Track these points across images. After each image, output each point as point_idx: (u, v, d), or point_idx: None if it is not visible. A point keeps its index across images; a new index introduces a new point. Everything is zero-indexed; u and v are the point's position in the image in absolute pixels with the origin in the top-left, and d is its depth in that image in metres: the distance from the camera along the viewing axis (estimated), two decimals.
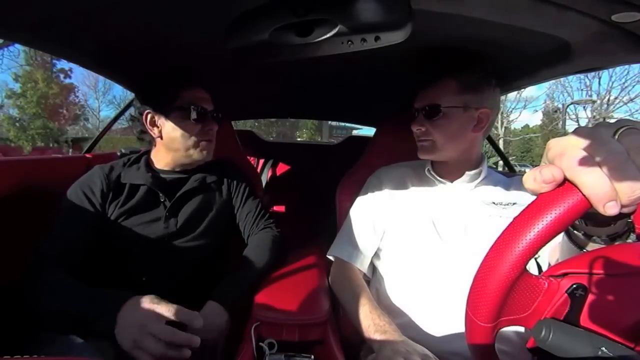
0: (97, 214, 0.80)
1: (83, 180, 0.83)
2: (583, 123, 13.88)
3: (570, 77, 13.44)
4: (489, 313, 0.31)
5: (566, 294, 0.32)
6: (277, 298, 0.71)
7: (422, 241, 0.79)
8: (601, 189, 0.26)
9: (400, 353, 0.55)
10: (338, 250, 0.87)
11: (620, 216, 0.33)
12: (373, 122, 1.88)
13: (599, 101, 15.85)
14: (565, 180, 0.28)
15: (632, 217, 0.37)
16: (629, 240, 0.38)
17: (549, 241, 0.28)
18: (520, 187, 0.81)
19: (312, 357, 0.61)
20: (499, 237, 0.31)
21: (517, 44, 0.74)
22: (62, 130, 18.24)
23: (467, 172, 0.80)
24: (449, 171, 0.82)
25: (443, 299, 0.72)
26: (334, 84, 1.23)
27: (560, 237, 0.45)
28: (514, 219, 0.30)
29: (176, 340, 0.58)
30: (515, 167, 1.90)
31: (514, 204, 0.79)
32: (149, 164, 0.90)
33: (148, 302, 0.62)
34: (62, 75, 17.96)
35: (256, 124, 17.20)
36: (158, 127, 0.86)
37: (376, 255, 0.87)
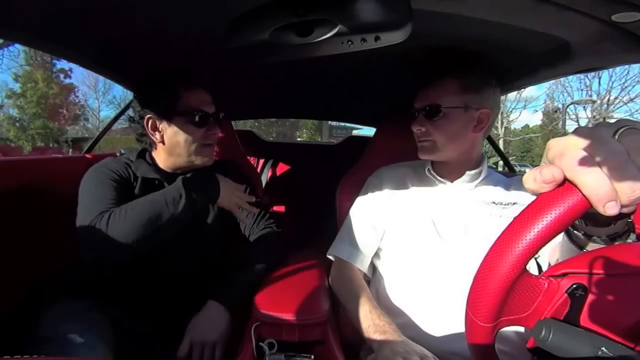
0: (121, 192, 0.79)
1: (102, 164, 0.82)
2: (583, 123, 13.88)
3: (570, 77, 13.47)
4: (489, 313, 0.31)
5: (566, 294, 0.32)
6: (277, 298, 0.71)
7: (422, 241, 0.79)
8: (601, 189, 0.26)
9: (399, 353, 0.55)
10: (338, 250, 0.87)
11: (620, 216, 0.33)
12: (373, 122, 1.88)
13: (599, 101, 15.85)
14: (565, 180, 0.28)
15: (632, 217, 0.37)
16: (629, 240, 0.38)
17: (549, 241, 0.28)
18: (520, 187, 0.81)
19: (312, 357, 0.61)
20: (499, 237, 0.31)
21: (517, 44, 0.74)
22: (62, 130, 18.23)
23: (467, 172, 0.80)
24: (449, 171, 0.82)
25: (443, 299, 0.72)
26: (334, 84, 1.23)
27: (560, 237, 0.45)
28: (514, 219, 0.30)
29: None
30: (515, 167, 1.90)
31: (514, 203, 0.79)
32: (154, 162, 0.89)
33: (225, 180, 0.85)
34: (62, 75, 17.96)
35: (256, 124, 17.19)
36: (160, 132, 0.84)
37: (376, 255, 0.87)
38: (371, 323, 0.66)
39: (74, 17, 0.67)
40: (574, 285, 0.32)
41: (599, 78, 15.93)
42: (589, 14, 0.54)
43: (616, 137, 0.27)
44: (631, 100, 14.46)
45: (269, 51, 0.65)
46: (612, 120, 0.30)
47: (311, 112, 2.11)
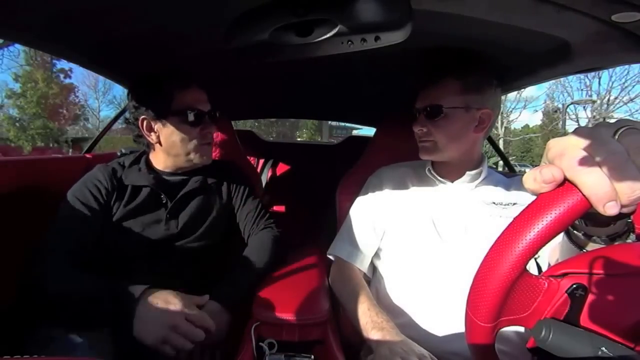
0: (102, 212, 0.79)
1: (87, 179, 0.82)
2: (583, 123, 13.88)
3: (570, 77, 13.46)
4: (489, 313, 0.31)
5: (566, 294, 0.32)
6: (277, 298, 0.71)
7: (422, 241, 0.79)
8: (601, 189, 0.26)
9: (397, 353, 0.55)
10: (338, 250, 0.87)
11: (620, 216, 0.33)
12: (373, 122, 1.88)
13: (599, 101, 15.85)
14: (565, 180, 0.28)
15: (632, 217, 0.37)
16: (629, 241, 0.38)
17: (549, 241, 0.28)
18: (520, 187, 0.81)
19: (312, 357, 0.61)
20: (499, 237, 0.31)
21: (517, 44, 0.74)
22: (62, 130, 18.23)
23: (467, 172, 0.80)
24: (450, 171, 0.82)
25: (443, 299, 0.72)
26: (334, 84, 1.23)
27: (560, 237, 0.45)
28: (514, 219, 0.30)
29: (202, 340, 0.64)
30: (515, 167, 1.90)
31: (514, 204, 0.79)
32: (150, 165, 0.89)
33: (172, 298, 0.65)
34: (62, 75, 17.95)
35: (256, 124, 17.18)
36: (155, 133, 0.83)
37: (376, 255, 0.87)
38: (369, 320, 0.66)
39: (74, 17, 0.67)
40: (574, 285, 0.32)
41: (599, 78, 15.96)
42: (589, 14, 0.54)
43: (616, 137, 0.27)
44: (631, 100, 14.47)
45: (269, 51, 0.65)
46: (612, 120, 0.30)
47: (311, 112, 2.11)
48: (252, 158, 1.97)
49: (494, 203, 0.79)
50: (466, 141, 0.79)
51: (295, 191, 1.90)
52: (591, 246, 0.40)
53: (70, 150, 15.79)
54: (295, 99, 1.55)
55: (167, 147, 0.84)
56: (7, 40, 0.77)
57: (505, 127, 18.58)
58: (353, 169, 1.09)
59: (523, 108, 19.81)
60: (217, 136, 1.22)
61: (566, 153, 0.28)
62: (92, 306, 0.64)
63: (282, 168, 2.09)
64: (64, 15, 0.65)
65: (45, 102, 16.77)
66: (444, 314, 0.71)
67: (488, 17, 0.61)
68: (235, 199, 0.96)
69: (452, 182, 0.82)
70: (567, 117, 15.57)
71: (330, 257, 0.89)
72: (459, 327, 0.58)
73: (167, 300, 0.65)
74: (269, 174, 2.07)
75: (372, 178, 0.93)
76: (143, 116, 0.82)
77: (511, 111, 19.13)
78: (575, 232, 0.41)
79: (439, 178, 0.83)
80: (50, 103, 17.05)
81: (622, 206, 0.26)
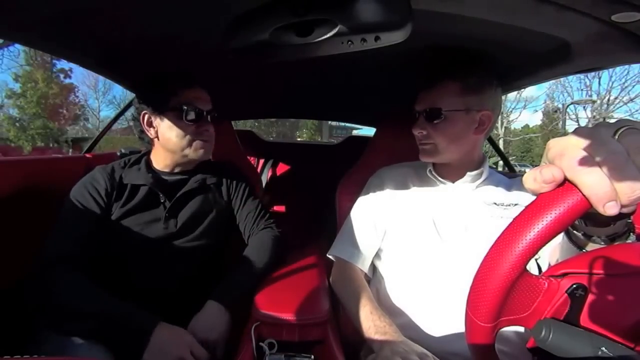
0: (102, 213, 0.80)
1: (86, 180, 0.83)
2: (583, 123, 13.89)
3: (570, 77, 13.46)
4: (489, 313, 0.31)
5: (566, 294, 0.32)
6: (277, 298, 0.71)
7: (422, 241, 0.79)
8: (601, 189, 0.26)
9: (398, 353, 0.55)
10: (339, 250, 0.87)
11: (620, 216, 0.33)
12: (373, 122, 1.88)
13: (599, 101, 15.84)
14: (565, 180, 0.28)
15: (632, 217, 0.37)
16: (629, 241, 0.38)
17: (549, 241, 0.28)
18: (521, 187, 0.81)
19: (312, 357, 0.61)
20: (499, 237, 0.31)
21: (517, 44, 0.74)
22: (62, 130, 18.23)
23: (468, 173, 0.80)
24: (451, 172, 0.82)
25: (443, 299, 0.72)
26: (334, 84, 1.23)
27: (561, 237, 0.45)
28: (514, 219, 0.30)
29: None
30: (515, 167, 1.90)
31: (515, 204, 0.79)
32: (149, 165, 0.90)
33: (183, 335, 0.68)
34: (62, 75, 17.95)
35: (256, 124, 17.18)
36: (154, 128, 0.86)
37: (377, 255, 0.87)
38: (372, 324, 0.66)
39: (74, 17, 0.67)
40: (574, 285, 0.32)
41: (599, 78, 15.95)
42: (589, 14, 0.54)
43: (616, 137, 0.27)
44: (631, 100, 14.47)
45: (269, 51, 0.65)
46: (612, 120, 0.30)
47: (311, 112, 2.11)
48: (252, 158, 1.97)
49: (495, 204, 0.79)
50: (466, 143, 0.79)
51: (295, 191, 1.90)
52: (591, 246, 0.40)
53: (70, 150, 15.79)
54: (295, 99, 1.55)
55: (164, 142, 0.86)
56: (8, 40, 0.77)
57: (505, 127, 18.58)
58: (353, 169, 1.09)
59: (523, 108, 19.84)
60: (217, 136, 1.22)
61: (566, 153, 0.28)
62: (103, 327, 0.65)
63: (282, 168, 2.09)
64: (65, 15, 0.65)
65: (45, 102, 16.77)
66: (444, 314, 0.71)
67: (488, 17, 0.61)
68: (235, 199, 0.96)
69: (453, 182, 0.82)
70: (567, 117, 15.58)
71: (331, 257, 0.89)
72: (459, 327, 0.59)
73: (177, 334, 0.68)
74: (269, 174, 2.08)
75: (372, 178, 0.93)
76: (145, 111, 0.85)
77: (511, 111, 19.14)
78: (575, 232, 0.41)
79: (439, 179, 0.83)
80: (50, 103, 17.05)
81: (622, 206, 0.26)
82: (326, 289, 0.78)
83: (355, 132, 9.06)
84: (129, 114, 1.14)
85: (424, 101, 0.80)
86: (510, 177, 0.88)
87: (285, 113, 2.15)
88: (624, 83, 14.68)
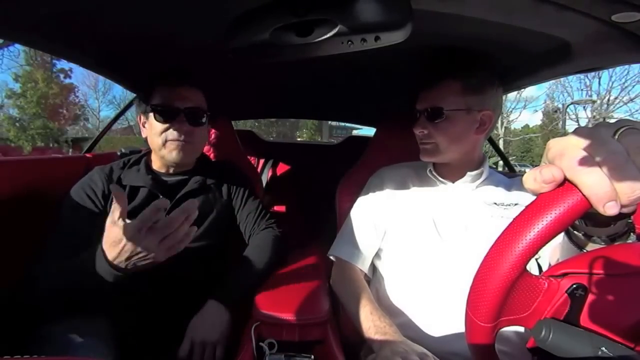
0: (99, 214, 0.79)
1: (84, 182, 0.83)
2: (583, 123, 13.89)
3: (570, 77, 13.46)
4: (489, 313, 0.31)
5: (566, 294, 0.32)
6: (277, 298, 0.71)
7: (423, 241, 0.79)
8: (601, 189, 0.26)
9: (398, 353, 0.55)
10: (339, 250, 0.87)
11: (620, 216, 0.33)
12: (373, 122, 1.88)
13: (599, 101, 15.85)
14: (565, 180, 0.28)
15: (632, 217, 0.37)
16: (629, 241, 0.38)
17: (549, 241, 0.28)
18: (521, 187, 0.81)
19: (312, 357, 0.61)
20: (499, 237, 0.31)
21: (517, 44, 0.74)
22: (62, 130, 18.23)
23: (468, 173, 0.80)
24: (451, 172, 0.82)
25: (443, 299, 0.72)
26: (334, 84, 1.23)
27: (561, 237, 0.45)
28: (514, 219, 0.30)
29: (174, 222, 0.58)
30: (515, 167, 1.90)
31: (515, 204, 0.79)
32: (149, 166, 0.90)
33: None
34: (62, 75, 17.97)
35: (256, 124, 17.19)
36: (145, 128, 0.87)
37: (377, 255, 0.87)
38: (372, 325, 0.66)
39: (74, 17, 0.67)
40: (574, 285, 0.32)
41: (599, 78, 15.98)
42: (589, 14, 0.54)
43: (616, 137, 0.27)
44: (631, 100, 14.48)
45: (269, 51, 0.65)
46: (612, 120, 0.30)
47: (311, 112, 2.11)
48: (252, 158, 1.97)
49: (495, 203, 0.79)
50: (467, 143, 0.79)
51: (296, 191, 1.90)
52: (591, 246, 0.40)
53: (70, 150, 15.79)
54: (296, 99, 1.55)
55: (149, 143, 0.87)
56: (8, 40, 0.77)
57: (505, 127, 18.59)
58: (353, 169, 1.09)
59: (523, 108, 19.89)
60: (218, 136, 1.22)
61: (566, 153, 0.28)
62: (78, 287, 0.65)
63: (282, 168, 2.09)
64: (65, 15, 0.65)
65: (45, 102, 16.77)
66: (444, 314, 0.71)
67: (488, 17, 0.61)
68: (236, 199, 0.96)
69: (453, 182, 0.82)
70: (567, 117, 15.59)
71: (331, 257, 0.89)
72: (459, 327, 0.59)
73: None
74: (269, 174, 2.07)
75: (372, 178, 0.93)
76: (139, 111, 0.86)
77: (511, 111, 19.17)
78: (575, 232, 0.41)
79: (440, 178, 0.83)
80: (50, 103, 17.06)
81: (622, 206, 0.26)
82: (326, 289, 0.77)
83: (355, 132, 9.06)
84: (129, 114, 1.15)
85: (425, 100, 0.80)
86: (510, 177, 0.88)
87: (285, 113, 2.15)
88: (624, 83, 14.72)
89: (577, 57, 0.71)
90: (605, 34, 0.59)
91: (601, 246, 0.38)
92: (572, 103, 15.95)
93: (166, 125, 0.83)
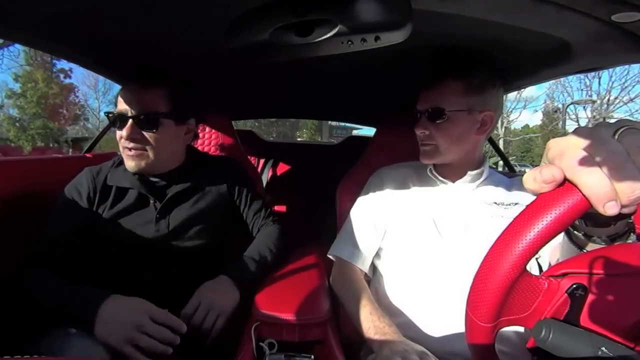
0: (83, 215, 0.79)
1: (72, 183, 0.82)
2: (583, 123, 13.88)
3: (570, 77, 13.47)
4: (489, 313, 0.31)
5: (566, 294, 0.32)
6: (277, 298, 0.71)
7: (423, 241, 0.79)
8: (601, 189, 0.26)
9: (398, 352, 0.55)
10: (339, 250, 0.87)
11: (621, 216, 0.33)
12: (373, 122, 1.88)
13: (599, 101, 15.85)
14: (565, 180, 0.28)
15: (632, 217, 0.37)
16: (629, 241, 0.38)
17: (549, 241, 0.28)
18: (521, 187, 0.80)
19: (312, 357, 0.61)
20: (499, 237, 0.31)
21: (518, 44, 0.74)
22: (62, 130, 18.23)
23: (469, 173, 0.80)
24: (451, 171, 0.82)
25: (443, 299, 0.72)
26: (334, 84, 1.23)
27: (561, 237, 0.45)
28: (514, 219, 0.30)
29: (171, 340, 0.62)
30: (515, 167, 1.90)
31: (515, 204, 0.79)
32: None
33: (136, 301, 0.65)
34: (62, 75, 17.95)
35: (256, 124, 17.17)
36: None
37: (377, 255, 0.87)
38: (372, 325, 0.66)
39: (74, 17, 0.67)
40: (574, 285, 0.32)
41: (599, 78, 15.94)
42: (589, 14, 0.54)
43: (616, 137, 0.27)
44: (631, 100, 14.47)
45: (269, 51, 0.65)
46: (612, 120, 0.30)
47: (311, 112, 2.11)
48: (252, 158, 1.97)
49: (496, 203, 0.79)
50: (468, 143, 0.79)
51: (296, 191, 1.90)
52: (591, 246, 0.40)
53: (70, 150, 15.79)
54: (295, 99, 1.55)
55: None
56: (8, 40, 0.77)
57: (505, 127, 18.59)
58: (353, 169, 1.09)
59: (523, 108, 19.86)
60: (218, 136, 1.22)
61: (566, 153, 0.28)
62: (58, 311, 0.65)
63: (282, 168, 2.09)
64: (64, 15, 0.65)
65: (45, 102, 16.76)
66: (444, 314, 0.71)
67: (488, 17, 0.61)
68: (239, 199, 0.95)
69: (454, 182, 0.82)
70: (567, 117, 15.59)
71: (331, 257, 0.89)
72: (459, 327, 0.58)
73: (130, 302, 0.64)
74: (270, 174, 2.07)
75: (372, 178, 0.93)
76: None
77: (511, 111, 19.15)
78: (575, 232, 0.41)
79: (440, 178, 0.83)
80: (50, 103, 17.05)
81: (622, 206, 0.26)
82: (326, 289, 0.77)
83: (355, 132, 9.04)
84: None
85: (426, 101, 0.79)
86: (510, 177, 0.88)
87: (286, 113, 2.15)
88: (624, 83, 14.70)
89: (577, 57, 0.71)
90: (605, 34, 0.59)
91: (601, 246, 0.38)
92: (572, 103, 15.96)
93: (120, 133, 0.78)
